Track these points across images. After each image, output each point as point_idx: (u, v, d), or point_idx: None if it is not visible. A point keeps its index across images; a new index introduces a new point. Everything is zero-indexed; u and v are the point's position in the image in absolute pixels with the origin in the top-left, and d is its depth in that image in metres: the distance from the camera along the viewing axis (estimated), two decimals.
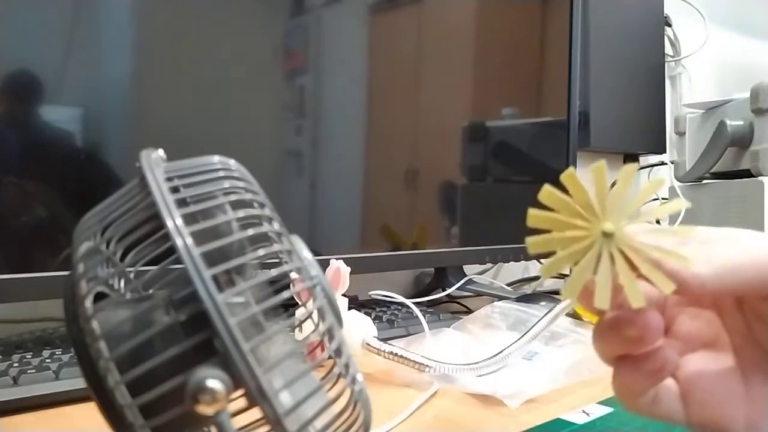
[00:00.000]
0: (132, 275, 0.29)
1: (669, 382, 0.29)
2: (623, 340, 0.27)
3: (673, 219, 0.95)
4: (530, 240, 0.26)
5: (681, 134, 1.13)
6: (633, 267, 0.25)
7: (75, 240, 0.25)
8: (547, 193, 0.26)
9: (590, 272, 0.25)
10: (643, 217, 0.26)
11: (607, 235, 0.25)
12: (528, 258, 0.88)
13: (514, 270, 1.07)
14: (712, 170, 1.03)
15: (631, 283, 0.25)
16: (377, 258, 0.71)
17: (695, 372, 0.29)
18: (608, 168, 0.26)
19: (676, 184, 1.13)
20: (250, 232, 0.24)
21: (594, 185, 0.26)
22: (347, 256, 0.54)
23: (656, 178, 0.27)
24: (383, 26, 0.72)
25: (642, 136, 1.21)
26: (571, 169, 0.26)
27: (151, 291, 0.28)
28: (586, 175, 0.26)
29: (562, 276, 1.02)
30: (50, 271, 0.49)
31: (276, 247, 0.25)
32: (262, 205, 0.26)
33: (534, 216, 0.27)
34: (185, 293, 0.24)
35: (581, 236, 0.26)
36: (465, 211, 0.81)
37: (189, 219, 0.22)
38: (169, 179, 0.24)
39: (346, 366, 0.25)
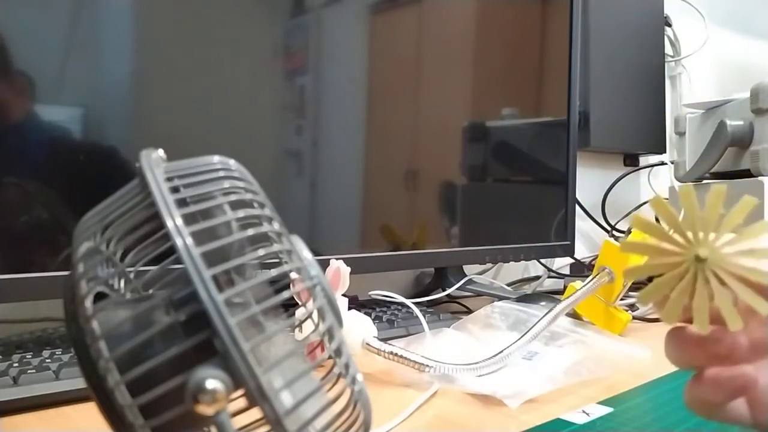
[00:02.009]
0: (132, 275, 0.29)
1: None
2: (709, 355, 0.28)
3: None
4: (630, 269, 0.27)
5: (681, 134, 1.13)
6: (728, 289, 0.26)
7: (75, 240, 0.25)
8: (639, 222, 0.27)
9: (687, 297, 0.26)
10: (739, 239, 0.26)
11: (701, 260, 0.26)
12: (528, 258, 0.88)
13: (514, 270, 1.07)
14: (712, 170, 1.02)
15: (728, 307, 0.26)
16: (377, 258, 0.71)
17: (764, 381, 0.29)
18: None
19: (676, 184, 1.12)
20: (250, 232, 0.24)
21: (684, 210, 0.26)
22: (347, 256, 0.54)
23: (748, 199, 0.27)
24: (383, 26, 0.72)
25: (642, 136, 1.21)
26: (659, 196, 0.27)
27: (151, 291, 0.28)
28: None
29: (561, 276, 1.02)
30: (50, 271, 0.49)
31: (276, 247, 0.25)
32: (262, 205, 0.26)
33: (628, 245, 0.28)
34: (185, 293, 0.24)
35: (676, 262, 0.26)
36: (465, 211, 0.80)
37: (189, 219, 0.22)
38: (169, 179, 0.24)
39: (346, 366, 0.25)
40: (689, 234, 0.26)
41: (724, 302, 0.26)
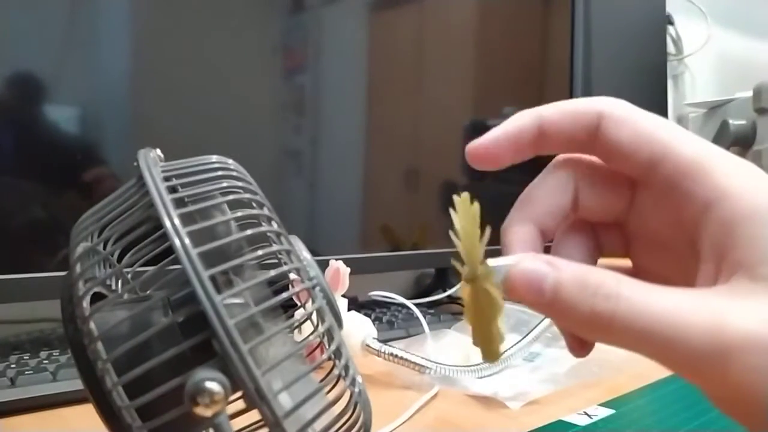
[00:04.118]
0: (129, 276, 0.29)
1: None
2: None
3: None
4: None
5: None
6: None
7: (72, 240, 0.25)
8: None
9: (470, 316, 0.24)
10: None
11: (469, 281, 0.23)
12: None
13: None
14: None
15: (486, 338, 0.23)
16: (377, 258, 0.70)
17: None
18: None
19: None
20: (249, 232, 0.23)
21: (457, 223, 0.23)
22: (347, 257, 0.54)
23: (460, 198, 0.24)
24: (383, 24, 0.72)
25: None
26: (461, 197, 0.24)
27: (149, 292, 0.28)
28: None
29: None
30: (48, 272, 0.49)
31: (275, 247, 0.25)
32: (260, 205, 0.25)
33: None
34: (183, 294, 0.24)
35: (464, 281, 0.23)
36: None
37: (187, 219, 0.22)
38: (167, 179, 0.24)
39: (346, 367, 0.25)
40: (462, 250, 0.23)
41: (480, 333, 0.23)
